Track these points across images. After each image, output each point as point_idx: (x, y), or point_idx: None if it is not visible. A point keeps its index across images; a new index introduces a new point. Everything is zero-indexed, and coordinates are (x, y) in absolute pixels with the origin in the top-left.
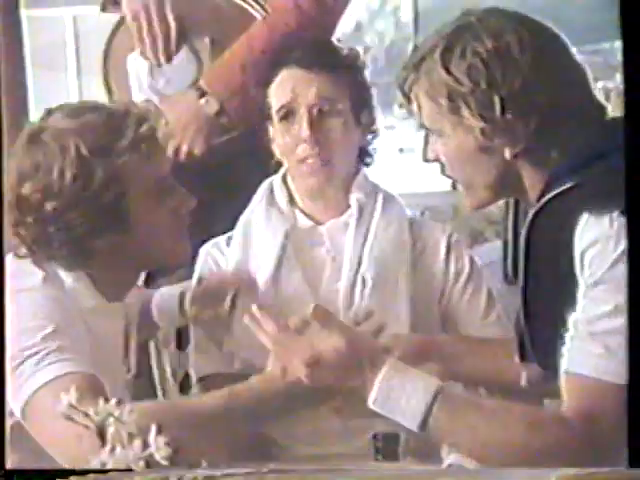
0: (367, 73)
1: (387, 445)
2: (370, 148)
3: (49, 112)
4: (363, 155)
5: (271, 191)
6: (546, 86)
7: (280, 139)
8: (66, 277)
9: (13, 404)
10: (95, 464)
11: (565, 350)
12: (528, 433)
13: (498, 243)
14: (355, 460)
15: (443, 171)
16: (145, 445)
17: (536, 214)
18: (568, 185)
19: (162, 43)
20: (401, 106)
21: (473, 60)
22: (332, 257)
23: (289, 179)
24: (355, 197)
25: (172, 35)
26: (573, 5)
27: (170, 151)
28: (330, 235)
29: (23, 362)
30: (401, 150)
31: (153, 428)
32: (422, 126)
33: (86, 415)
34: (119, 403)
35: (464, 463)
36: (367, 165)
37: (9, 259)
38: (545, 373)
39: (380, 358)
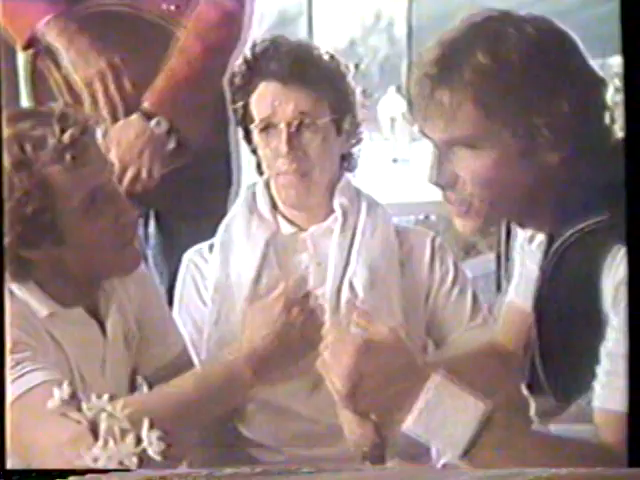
0: (350, 78)
1: (374, 449)
2: (354, 154)
3: None
4: (346, 161)
5: (253, 197)
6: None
7: (261, 150)
8: (17, 289)
9: None
10: (88, 459)
11: (598, 385)
12: (575, 466)
13: (491, 256)
14: (340, 464)
15: (446, 194)
16: (138, 440)
17: (564, 246)
18: (600, 218)
19: (120, 106)
20: (419, 129)
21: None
22: (316, 262)
23: (272, 185)
24: (338, 202)
25: (128, 95)
26: (573, 20)
27: (129, 177)
28: (314, 241)
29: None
30: (395, 160)
31: (146, 423)
32: (443, 143)
33: (79, 410)
34: (112, 398)
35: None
36: (350, 171)
37: None
38: (557, 404)
39: (424, 374)
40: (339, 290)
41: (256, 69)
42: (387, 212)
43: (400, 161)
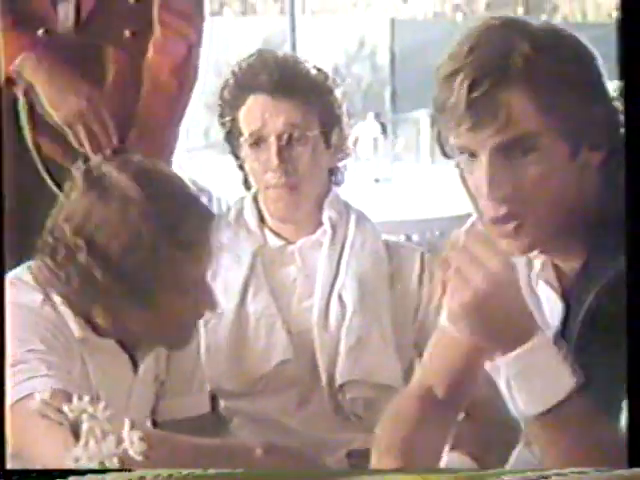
0: (338, 92)
1: (362, 462)
2: (341, 167)
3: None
4: (334, 175)
5: (241, 211)
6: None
7: (249, 164)
8: (60, 304)
9: None
10: (68, 460)
11: None
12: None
13: None
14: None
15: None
16: (119, 441)
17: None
18: None
19: (104, 141)
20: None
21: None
22: (305, 275)
23: (260, 199)
24: (327, 215)
25: (111, 132)
26: None
27: None
28: (302, 253)
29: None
30: (377, 180)
31: (127, 423)
32: (496, 149)
33: (59, 411)
34: (92, 400)
35: (464, 463)
36: (337, 184)
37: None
38: None
39: (533, 325)
40: (328, 303)
41: (244, 82)
42: (376, 227)
43: (382, 180)
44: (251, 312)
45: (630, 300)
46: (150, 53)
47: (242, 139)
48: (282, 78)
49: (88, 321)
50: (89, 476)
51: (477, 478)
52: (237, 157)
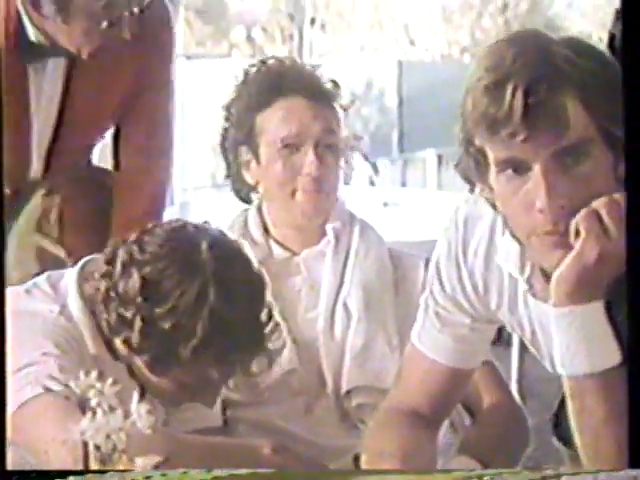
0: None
1: None
2: (347, 177)
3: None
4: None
5: (245, 223)
6: None
7: (271, 167)
8: (78, 317)
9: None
10: (76, 433)
11: None
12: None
13: None
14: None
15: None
16: (126, 415)
17: None
18: None
19: None
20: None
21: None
22: (310, 285)
23: (264, 209)
24: (331, 226)
25: None
26: None
27: None
28: (307, 264)
29: (19, 371)
30: (385, 204)
31: (135, 396)
32: (553, 157)
33: (66, 386)
34: (100, 376)
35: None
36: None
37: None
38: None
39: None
40: (333, 312)
41: (267, 84)
42: (380, 235)
43: (390, 205)
44: None
45: (630, 300)
46: None
47: (263, 141)
48: (313, 83)
49: (107, 342)
50: (89, 476)
51: (476, 478)
52: (247, 164)
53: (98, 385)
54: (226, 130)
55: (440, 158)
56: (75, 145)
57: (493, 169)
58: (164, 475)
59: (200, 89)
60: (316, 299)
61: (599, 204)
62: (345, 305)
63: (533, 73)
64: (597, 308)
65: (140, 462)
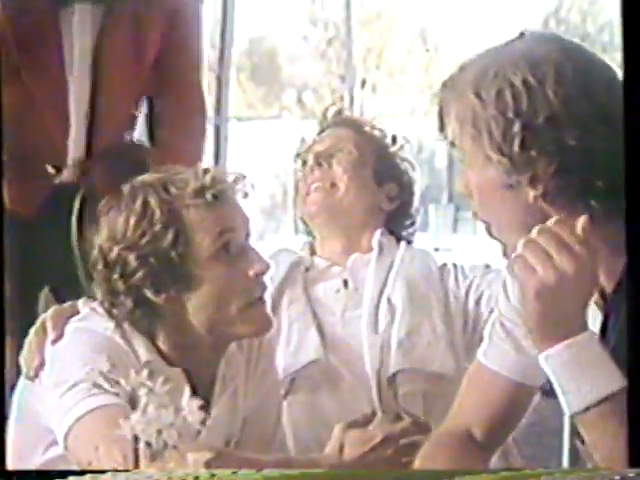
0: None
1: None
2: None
3: None
4: (391, 222)
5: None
6: (576, 126)
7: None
8: (130, 331)
9: (56, 429)
10: (126, 428)
11: None
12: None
13: None
14: None
15: (489, 231)
16: (177, 410)
17: None
18: None
19: None
20: (441, 131)
21: (503, 85)
22: (354, 288)
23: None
24: (377, 240)
25: None
26: None
27: None
28: (351, 269)
29: (73, 387)
30: (437, 249)
31: (187, 390)
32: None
33: (117, 383)
34: (151, 374)
35: None
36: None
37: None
38: None
39: (585, 321)
40: (377, 308)
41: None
42: (428, 251)
43: (442, 250)
44: (283, 318)
45: (630, 300)
46: None
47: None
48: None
49: (156, 347)
50: (89, 476)
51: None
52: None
53: (149, 383)
54: None
55: None
56: (112, 116)
57: None
58: (213, 476)
59: (250, 150)
60: (358, 301)
61: (537, 236)
62: (389, 300)
63: (445, 89)
64: (585, 338)
65: (191, 458)
